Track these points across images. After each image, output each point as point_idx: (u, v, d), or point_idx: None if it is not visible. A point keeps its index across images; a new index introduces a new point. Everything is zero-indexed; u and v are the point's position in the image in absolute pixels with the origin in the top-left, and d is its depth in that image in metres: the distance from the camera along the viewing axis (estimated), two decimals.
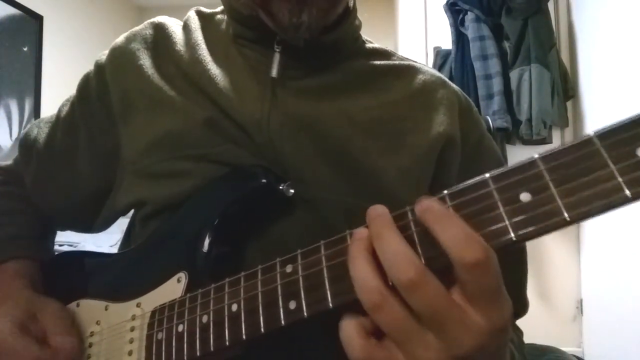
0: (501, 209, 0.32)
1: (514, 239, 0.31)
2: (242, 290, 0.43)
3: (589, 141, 0.30)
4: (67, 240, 2.31)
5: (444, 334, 0.32)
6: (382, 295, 0.33)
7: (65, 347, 0.54)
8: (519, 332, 0.64)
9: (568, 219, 0.30)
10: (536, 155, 0.32)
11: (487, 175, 0.33)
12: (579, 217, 0.30)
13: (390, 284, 0.33)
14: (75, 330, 0.57)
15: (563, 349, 1.96)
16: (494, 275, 0.32)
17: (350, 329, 0.35)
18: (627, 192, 0.28)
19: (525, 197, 0.31)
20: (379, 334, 0.35)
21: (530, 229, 0.31)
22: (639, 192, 0.28)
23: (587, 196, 0.29)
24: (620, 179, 0.29)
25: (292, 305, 0.39)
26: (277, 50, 0.59)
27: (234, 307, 0.43)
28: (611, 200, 0.29)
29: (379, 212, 0.35)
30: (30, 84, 3.14)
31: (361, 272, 0.34)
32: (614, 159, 0.29)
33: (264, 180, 0.53)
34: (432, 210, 0.33)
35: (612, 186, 0.29)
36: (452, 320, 0.32)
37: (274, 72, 0.58)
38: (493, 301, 0.32)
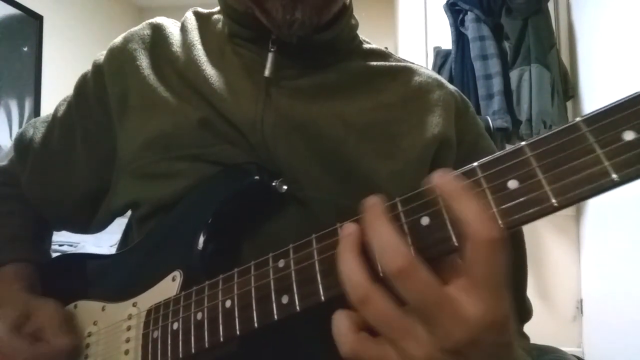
0: (489, 196, 0.32)
1: (502, 226, 0.31)
2: (235, 287, 0.43)
3: (575, 126, 0.30)
4: (67, 240, 2.31)
5: (434, 326, 0.32)
6: (367, 289, 0.33)
7: (61, 347, 0.54)
8: (526, 340, 0.63)
9: (556, 204, 0.30)
10: (523, 143, 0.32)
11: (476, 164, 0.33)
12: (566, 203, 0.29)
13: (381, 275, 0.33)
14: (72, 330, 0.57)
15: (563, 349, 1.95)
16: (503, 261, 0.31)
17: (341, 324, 0.35)
18: (614, 175, 0.28)
19: (512, 184, 0.31)
20: (373, 331, 0.35)
21: (518, 216, 0.31)
22: (625, 176, 0.28)
23: (574, 181, 0.29)
24: (606, 163, 0.28)
25: (285, 299, 0.39)
26: (272, 50, 0.59)
27: (228, 304, 0.43)
28: (598, 185, 0.29)
29: (372, 202, 0.36)
30: (30, 84, 3.14)
31: (347, 266, 0.34)
32: (600, 144, 0.29)
33: (256, 177, 0.53)
34: (453, 183, 0.33)
35: (598, 171, 0.29)
36: (442, 311, 0.32)
37: (267, 72, 0.58)
38: (495, 290, 0.32)
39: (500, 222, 0.31)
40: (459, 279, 0.33)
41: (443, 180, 0.33)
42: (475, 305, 0.32)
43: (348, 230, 0.36)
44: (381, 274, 0.33)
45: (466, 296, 0.32)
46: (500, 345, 0.34)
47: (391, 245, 0.32)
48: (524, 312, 0.65)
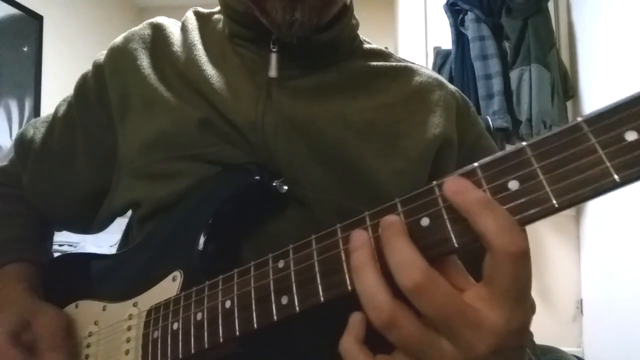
0: (489, 197, 0.32)
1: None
2: (235, 287, 0.43)
3: (577, 127, 0.30)
4: (67, 240, 2.31)
5: (457, 338, 0.31)
6: (394, 312, 0.32)
7: None
8: (530, 335, 0.62)
9: (557, 205, 0.29)
10: (524, 143, 0.31)
11: (476, 164, 0.33)
12: (567, 204, 0.29)
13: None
14: (67, 340, 0.56)
15: (563, 349, 1.96)
16: (528, 272, 0.31)
17: (353, 351, 0.34)
18: (616, 176, 0.28)
19: (513, 185, 0.31)
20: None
21: (519, 217, 0.31)
22: (627, 177, 0.27)
23: (575, 182, 0.29)
24: (608, 164, 0.28)
25: (285, 300, 0.39)
26: (274, 50, 0.59)
27: (228, 304, 0.43)
28: (600, 185, 0.28)
29: (391, 221, 0.34)
30: (30, 84, 3.14)
31: (368, 285, 0.33)
32: (602, 144, 0.28)
33: (257, 177, 0.53)
34: (470, 194, 0.31)
35: (600, 171, 0.28)
36: (464, 323, 0.31)
37: (273, 73, 0.58)
38: (518, 299, 0.31)
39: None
40: (480, 287, 0.32)
41: (456, 187, 0.32)
42: (497, 315, 0.31)
43: (361, 240, 0.34)
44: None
45: (487, 306, 0.31)
46: (517, 348, 0.33)
47: (406, 260, 0.31)
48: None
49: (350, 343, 0.35)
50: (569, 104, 2.52)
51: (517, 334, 0.32)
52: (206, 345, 0.43)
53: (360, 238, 0.35)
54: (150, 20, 0.69)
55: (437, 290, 0.31)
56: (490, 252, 0.30)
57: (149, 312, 0.51)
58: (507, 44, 2.47)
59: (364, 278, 0.33)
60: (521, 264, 0.30)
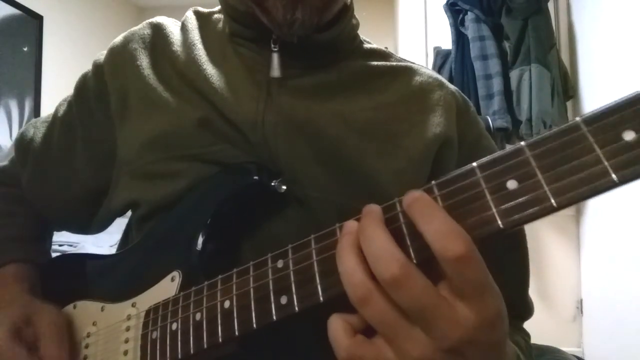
0: (488, 197, 0.32)
1: (501, 226, 0.31)
2: (234, 287, 0.43)
3: (575, 126, 0.30)
4: (67, 240, 2.31)
5: (431, 329, 0.32)
6: (368, 288, 0.33)
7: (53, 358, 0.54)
8: (525, 336, 0.63)
9: (555, 205, 0.29)
10: (522, 142, 0.32)
11: (475, 164, 0.33)
12: (565, 203, 0.29)
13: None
14: (67, 339, 0.56)
15: (563, 349, 1.95)
16: (478, 269, 0.31)
17: (336, 328, 0.35)
18: (614, 176, 0.28)
19: (512, 184, 0.31)
20: (368, 332, 0.35)
21: (517, 216, 0.31)
22: (625, 176, 0.27)
23: (573, 181, 0.29)
24: (606, 163, 0.28)
25: (284, 300, 0.39)
26: (275, 49, 0.59)
27: (227, 304, 0.43)
28: (598, 185, 0.28)
29: (370, 209, 0.35)
30: (30, 84, 3.14)
31: (348, 265, 0.34)
32: (600, 143, 0.29)
33: (256, 177, 0.53)
34: (418, 202, 0.33)
35: (598, 170, 0.28)
36: (438, 315, 0.32)
37: (277, 72, 0.58)
38: (480, 294, 0.32)
39: (499, 222, 0.31)
40: (448, 283, 0.33)
41: (410, 198, 0.33)
42: (468, 307, 0.32)
43: (348, 228, 0.36)
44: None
45: (457, 300, 0.32)
46: (492, 344, 0.34)
47: (385, 252, 0.32)
48: (525, 309, 0.65)
49: (336, 317, 0.36)
50: (569, 104, 2.52)
51: (489, 326, 0.32)
52: (205, 346, 0.43)
53: (349, 226, 0.36)
54: (150, 20, 0.69)
55: (414, 284, 0.31)
56: (435, 256, 0.31)
57: (147, 313, 0.51)
58: (507, 44, 2.47)
59: (345, 259, 0.34)
60: (462, 266, 0.31)
